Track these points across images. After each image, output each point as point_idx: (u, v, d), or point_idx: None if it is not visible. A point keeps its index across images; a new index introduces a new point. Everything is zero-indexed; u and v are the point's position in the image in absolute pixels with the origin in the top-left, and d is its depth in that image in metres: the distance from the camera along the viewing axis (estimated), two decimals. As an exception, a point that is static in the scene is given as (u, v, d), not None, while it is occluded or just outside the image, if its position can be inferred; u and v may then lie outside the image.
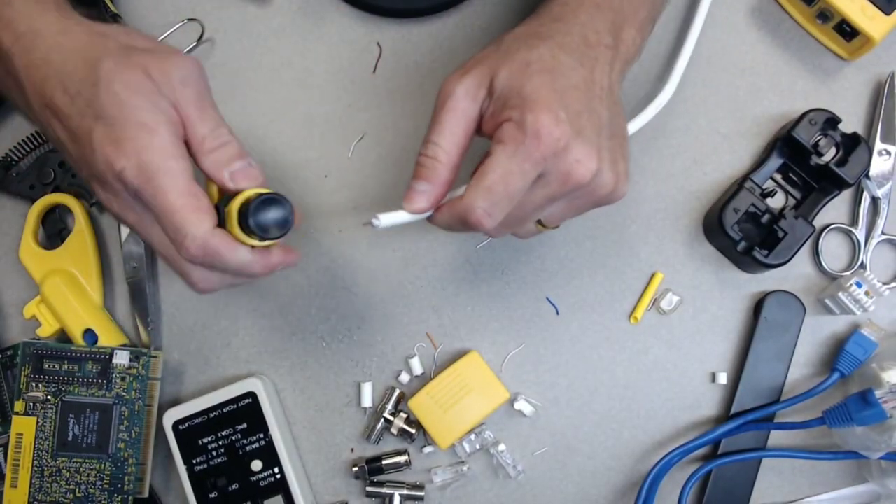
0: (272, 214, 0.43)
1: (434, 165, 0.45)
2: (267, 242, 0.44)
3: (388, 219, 0.45)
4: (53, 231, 0.60)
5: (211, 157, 0.44)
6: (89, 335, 0.57)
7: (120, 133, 0.41)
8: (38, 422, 0.55)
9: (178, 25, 0.59)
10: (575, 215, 0.47)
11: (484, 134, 0.45)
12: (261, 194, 0.43)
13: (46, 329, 0.57)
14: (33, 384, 0.55)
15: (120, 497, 0.55)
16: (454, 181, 0.45)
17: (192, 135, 0.44)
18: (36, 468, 0.55)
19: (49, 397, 0.55)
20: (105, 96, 0.42)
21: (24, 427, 0.55)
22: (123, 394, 0.55)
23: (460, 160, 0.45)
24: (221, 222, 0.43)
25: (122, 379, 0.55)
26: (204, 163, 0.44)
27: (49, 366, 0.55)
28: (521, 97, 0.43)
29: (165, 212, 0.42)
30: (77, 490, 0.55)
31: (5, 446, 0.57)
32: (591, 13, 0.47)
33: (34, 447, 0.55)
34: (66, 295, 0.57)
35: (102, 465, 0.55)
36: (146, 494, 0.56)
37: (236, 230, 0.43)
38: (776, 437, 0.58)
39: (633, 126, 0.54)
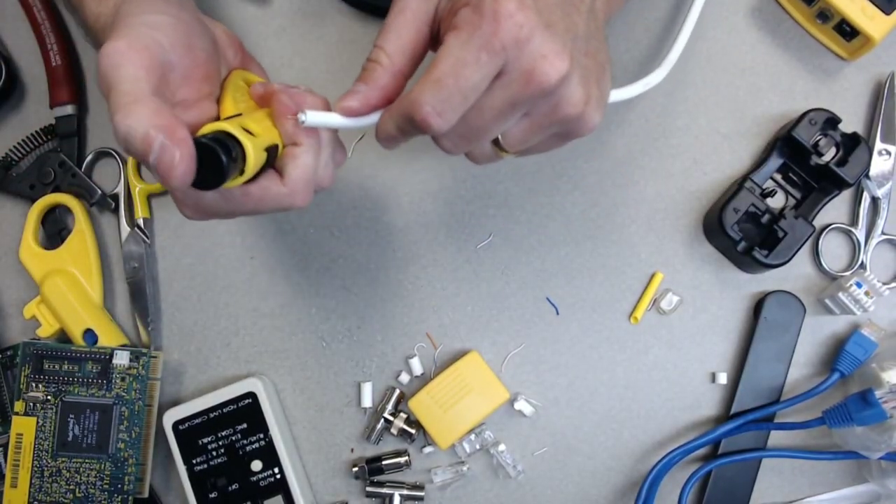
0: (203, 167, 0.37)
1: (374, 68, 0.40)
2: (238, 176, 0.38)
3: (315, 117, 0.39)
4: (53, 231, 0.60)
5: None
6: (89, 335, 0.57)
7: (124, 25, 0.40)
8: (38, 422, 0.55)
9: (177, 25, 0.59)
10: (538, 140, 0.41)
11: (442, 39, 0.39)
12: (202, 137, 0.37)
13: (46, 329, 0.57)
14: (33, 384, 0.55)
15: (120, 497, 0.55)
16: (399, 91, 0.40)
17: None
18: (36, 468, 0.55)
19: (49, 397, 0.55)
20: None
21: (24, 427, 0.55)
22: (123, 394, 0.55)
23: (409, 68, 0.40)
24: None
25: (122, 379, 0.55)
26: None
27: (49, 366, 0.55)
28: None
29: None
30: (77, 490, 0.55)
31: (5, 446, 0.57)
32: None
33: (34, 447, 0.55)
34: (66, 295, 0.57)
35: (102, 465, 0.55)
36: (146, 494, 0.56)
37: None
38: (776, 437, 0.58)
39: (615, 96, 0.48)
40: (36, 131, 0.60)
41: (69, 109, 0.59)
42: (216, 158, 0.36)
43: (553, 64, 0.37)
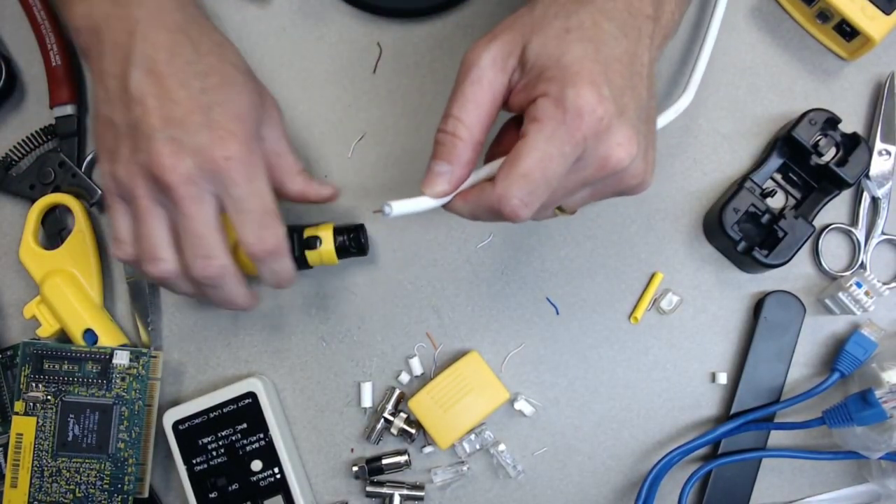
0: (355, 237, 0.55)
1: (455, 144, 0.40)
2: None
3: (401, 207, 0.41)
4: (53, 231, 0.60)
5: (301, 177, 0.50)
6: (89, 335, 0.57)
7: (235, 129, 0.44)
8: (38, 422, 0.55)
9: (177, 25, 0.59)
10: (595, 201, 0.44)
11: (512, 109, 0.41)
12: (341, 227, 0.55)
13: (46, 329, 0.57)
14: (33, 384, 0.55)
15: (120, 497, 0.55)
16: (476, 161, 0.41)
17: (282, 163, 0.49)
18: (36, 468, 0.55)
19: (49, 397, 0.55)
20: (231, 94, 0.45)
21: (24, 427, 0.55)
22: (123, 394, 0.55)
23: (484, 138, 0.41)
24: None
25: (122, 379, 0.55)
26: (295, 182, 0.50)
27: (49, 366, 0.55)
28: (559, 68, 0.38)
29: (260, 211, 0.45)
30: (77, 490, 0.55)
31: (5, 446, 0.57)
32: None
33: (34, 447, 0.55)
34: (66, 295, 0.57)
35: (102, 465, 0.55)
36: (146, 494, 0.56)
37: (332, 251, 0.55)
38: (776, 437, 0.58)
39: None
40: (36, 131, 0.60)
41: (69, 109, 0.59)
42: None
43: (627, 150, 0.39)
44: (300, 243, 0.55)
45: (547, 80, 0.38)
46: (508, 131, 0.44)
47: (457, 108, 0.40)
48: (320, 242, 0.55)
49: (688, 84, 0.55)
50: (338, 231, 0.55)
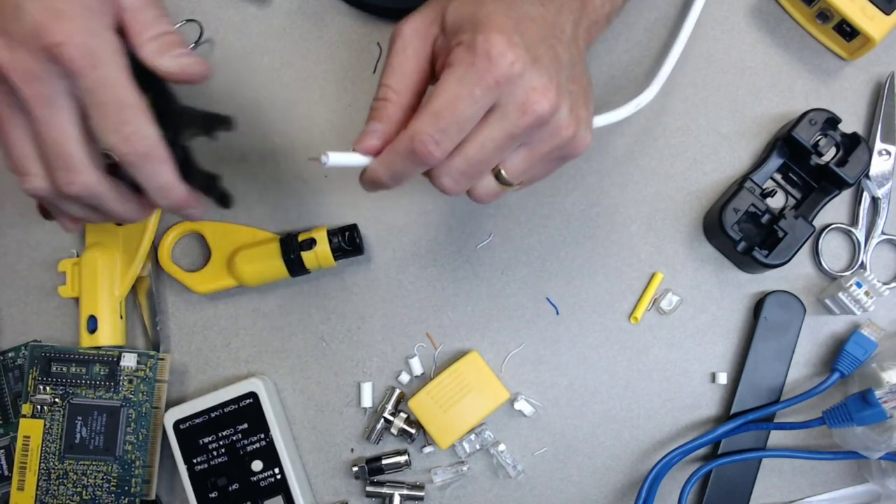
0: None
1: (385, 106, 0.42)
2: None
3: (337, 158, 0.42)
4: None
5: (154, 43, 0.41)
6: (91, 322, 0.56)
7: (63, 6, 0.38)
8: (45, 424, 0.55)
9: (177, 26, 0.59)
10: (537, 168, 0.44)
11: (439, 76, 0.41)
12: (334, 229, 0.56)
13: (67, 291, 0.57)
14: (41, 387, 0.55)
15: (127, 499, 0.55)
16: (406, 124, 0.42)
17: (133, 20, 0.41)
18: (43, 471, 0.55)
19: (56, 399, 0.55)
20: None
21: (31, 430, 0.55)
22: (131, 396, 0.55)
23: (414, 102, 0.42)
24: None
25: (130, 381, 0.56)
26: (145, 48, 0.41)
27: (57, 368, 0.55)
28: (472, 22, 0.40)
29: (114, 103, 0.39)
30: (84, 492, 0.55)
31: (6, 448, 0.57)
32: None
33: (41, 450, 0.55)
34: (96, 273, 0.56)
35: (109, 468, 0.55)
36: (153, 496, 0.56)
37: (328, 251, 0.56)
38: (776, 437, 0.58)
39: (603, 119, 0.51)
40: None
41: None
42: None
43: (545, 95, 0.40)
44: (296, 247, 0.55)
45: (461, 33, 0.40)
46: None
47: (385, 76, 0.42)
48: (315, 244, 0.55)
49: (653, 80, 0.56)
50: (331, 233, 0.56)
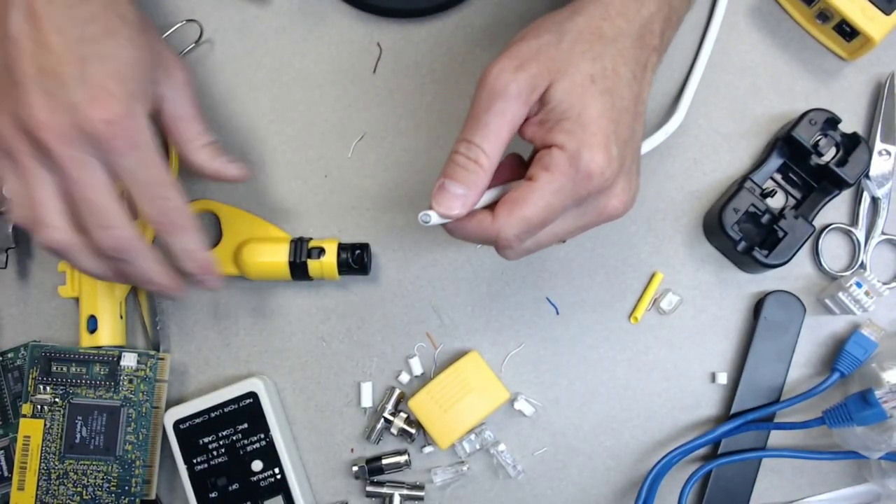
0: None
1: (475, 170, 0.41)
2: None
3: (436, 219, 0.43)
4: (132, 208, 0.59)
5: (206, 150, 0.48)
6: (91, 322, 0.56)
7: (112, 87, 0.41)
8: (45, 424, 0.55)
9: (177, 26, 0.59)
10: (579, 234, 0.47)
11: (522, 136, 0.43)
12: (346, 245, 0.56)
13: (67, 291, 0.57)
14: (41, 387, 0.55)
15: (127, 499, 0.55)
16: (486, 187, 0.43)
17: (185, 129, 0.46)
18: (43, 471, 0.55)
19: (57, 399, 0.55)
20: (112, 47, 0.42)
21: (31, 430, 0.55)
22: (131, 396, 0.55)
23: (497, 163, 0.42)
24: None
25: (130, 381, 0.56)
26: (198, 154, 0.48)
27: (57, 368, 0.55)
28: (579, 124, 0.40)
29: (151, 181, 0.43)
30: (84, 492, 0.55)
31: (5, 448, 0.57)
32: (655, 4, 0.44)
33: (41, 450, 0.55)
34: None
35: (109, 468, 0.55)
36: (153, 496, 0.56)
37: (334, 265, 0.55)
38: (776, 437, 0.58)
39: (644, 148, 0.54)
40: None
41: None
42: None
43: (622, 200, 0.43)
44: (304, 253, 0.55)
45: (565, 132, 0.40)
46: (508, 164, 0.46)
47: (480, 136, 0.41)
48: (323, 254, 0.55)
49: (677, 107, 0.58)
50: (342, 248, 0.56)
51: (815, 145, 0.56)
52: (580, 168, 0.40)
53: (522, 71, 0.40)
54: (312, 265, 0.55)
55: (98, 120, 0.40)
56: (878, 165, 0.58)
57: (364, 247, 0.56)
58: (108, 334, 0.56)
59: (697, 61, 0.59)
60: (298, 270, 0.55)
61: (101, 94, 0.41)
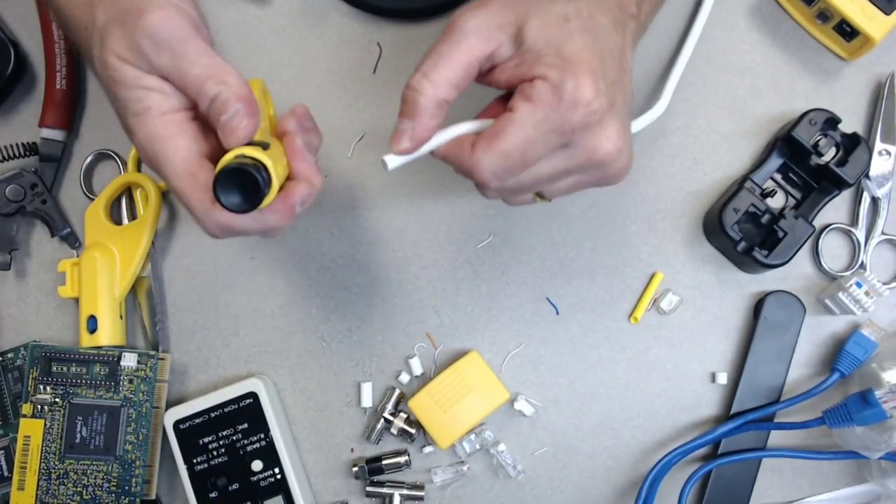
0: (232, 193, 0.39)
1: (416, 100, 0.39)
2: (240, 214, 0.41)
3: (393, 162, 0.41)
4: (127, 210, 0.59)
5: (214, 116, 0.41)
6: (91, 322, 0.56)
7: (132, 106, 0.42)
8: (45, 424, 0.55)
9: (178, 26, 0.59)
10: (576, 190, 0.44)
11: (499, 85, 0.41)
12: (225, 167, 0.39)
13: (67, 291, 0.57)
14: (41, 387, 0.55)
15: (127, 499, 0.55)
16: (442, 118, 0.41)
17: (188, 93, 0.42)
18: (43, 470, 0.55)
19: (57, 399, 0.55)
20: (107, 71, 0.42)
21: (31, 430, 0.55)
22: (131, 396, 0.56)
23: (451, 98, 0.40)
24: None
25: (130, 381, 0.56)
26: (214, 122, 0.42)
27: (57, 368, 0.55)
28: (560, 57, 0.38)
29: (175, 191, 0.42)
30: (84, 492, 0.55)
31: (5, 449, 0.57)
32: None
33: (41, 450, 0.55)
34: (95, 272, 0.56)
35: (110, 468, 0.55)
36: (153, 496, 0.56)
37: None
38: (776, 437, 0.58)
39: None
40: (17, 144, 0.58)
41: (58, 135, 0.58)
42: (256, 186, 0.39)
43: (615, 143, 0.39)
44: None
45: (546, 66, 0.38)
46: (495, 107, 0.43)
47: (428, 64, 0.40)
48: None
49: (662, 91, 0.56)
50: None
51: (815, 145, 0.56)
52: (564, 97, 0.37)
53: (485, 8, 0.39)
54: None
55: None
56: (878, 165, 0.58)
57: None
58: (108, 334, 0.56)
59: (685, 45, 0.58)
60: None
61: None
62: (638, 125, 0.54)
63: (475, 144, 0.39)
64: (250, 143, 0.41)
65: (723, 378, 0.58)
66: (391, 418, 0.57)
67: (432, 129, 0.41)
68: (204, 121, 0.43)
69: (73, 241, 0.59)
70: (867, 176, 0.57)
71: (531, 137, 0.38)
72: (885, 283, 0.56)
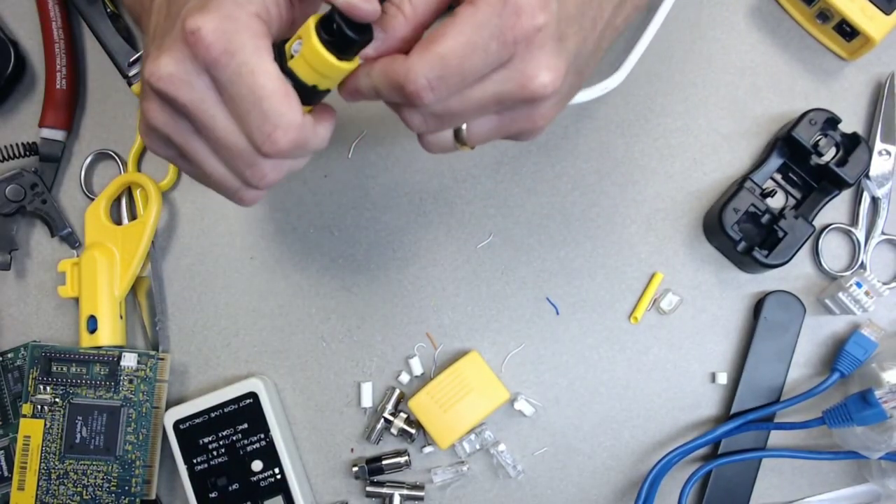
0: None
1: (396, 15, 0.37)
2: (353, 58, 0.37)
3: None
4: (127, 210, 0.59)
5: None
6: (91, 322, 0.57)
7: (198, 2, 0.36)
8: (45, 424, 0.55)
9: (178, 26, 0.59)
10: (494, 138, 0.41)
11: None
12: (327, 13, 0.36)
13: (67, 291, 0.57)
14: (41, 387, 0.55)
15: (127, 499, 0.55)
16: (413, 44, 0.37)
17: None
18: (43, 471, 0.55)
19: (57, 399, 0.55)
20: None
21: (31, 430, 0.55)
22: (131, 396, 0.56)
23: (428, 22, 0.37)
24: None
25: (130, 381, 0.56)
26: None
27: (57, 368, 0.55)
28: None
29: (252, 95, 0.35)
30: (84, 492, 0.55)
31: (5, 449, 0.57)
32: None
33: (41, 450, 0.55)
34: (95, 272, 0.56)
35: (110, 468, 0.55)
36: (153, 496, 0.56)
37: (318, 46, 0.36)
38: (776, 437, 0.58)
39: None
40: (18, 144, 0.58)
41: (59, 135, 0.59)
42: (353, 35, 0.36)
43: (552, 78, 0.36)
44: (282, 57, 0.38)
45: None
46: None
47: None
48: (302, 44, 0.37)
49: (620, 67, 0.54)
50: (322, 21, 0.37)
51: (815, 145, 0.56)
52: (508, 1, 0.34)
53: None
54: (300, 68, 0.37)
55: (189, 33, 0.35)
56: (878, 165, 0.58)
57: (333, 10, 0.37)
58: (108, 334, 0.56)
59: (652, 20, 0.56)
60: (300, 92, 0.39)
61: (188, 13, 0.36)
62: (588, 95, 0.51)
63: (411, 52, 0.36)
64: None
65: (723, 378, 0.58)
66: (391, 418, 0.57)
67: (398, 50, 0.37)
68: None
69: (73, 241, 0.59)
70: (867, 176, 0.57)
71: (471, 42, 0.35)
72: (885, 283, 0.56)
